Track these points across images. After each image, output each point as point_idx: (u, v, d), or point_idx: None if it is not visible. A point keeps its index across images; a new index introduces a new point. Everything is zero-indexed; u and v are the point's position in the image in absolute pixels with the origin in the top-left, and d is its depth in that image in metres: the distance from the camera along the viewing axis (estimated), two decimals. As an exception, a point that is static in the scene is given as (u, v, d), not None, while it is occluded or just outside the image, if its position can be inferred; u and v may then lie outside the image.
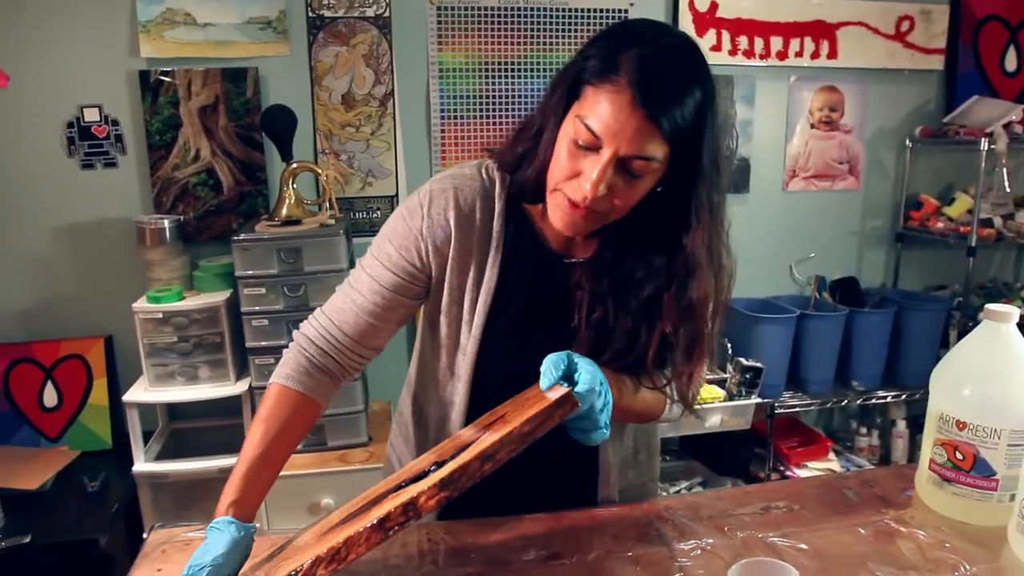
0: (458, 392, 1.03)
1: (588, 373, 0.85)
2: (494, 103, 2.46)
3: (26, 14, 2.11)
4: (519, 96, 2.47)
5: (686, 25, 2.52)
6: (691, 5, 2.53)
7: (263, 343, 2.02)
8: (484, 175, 1.02)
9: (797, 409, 2.62)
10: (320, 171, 2.17)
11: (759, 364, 2.43)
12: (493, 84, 2.44)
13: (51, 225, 2.24)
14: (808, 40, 2.65)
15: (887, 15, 2.69)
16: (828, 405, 2.69)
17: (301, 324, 1.04)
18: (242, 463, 0.91)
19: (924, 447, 1.03)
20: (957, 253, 2.69)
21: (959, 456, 0.96)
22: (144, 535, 1.00)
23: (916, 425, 2.72)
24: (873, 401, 2.69)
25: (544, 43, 2.45)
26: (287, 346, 1.03)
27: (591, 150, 0.86)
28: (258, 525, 0.89)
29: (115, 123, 2.22)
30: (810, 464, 2.60)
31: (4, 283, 2.23)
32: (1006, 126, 2.49)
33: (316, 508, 2.04)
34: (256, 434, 0.93)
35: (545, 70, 2.47)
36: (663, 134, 0.83)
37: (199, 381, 2.08)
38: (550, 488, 1.03)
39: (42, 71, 2.15)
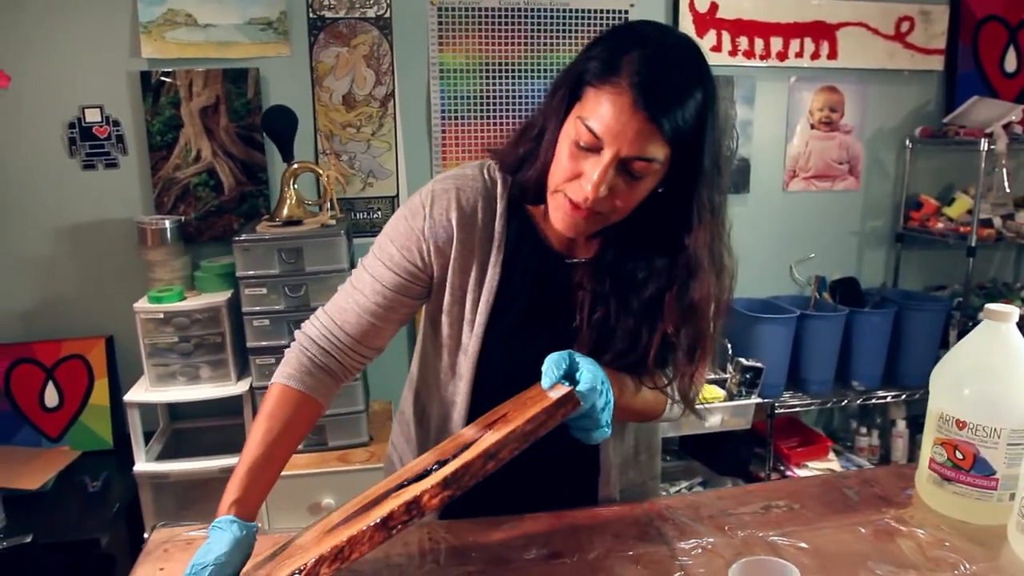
0: (460, 392, 1.03)
1: (589, 372, 0.86)
2: (494, 104, 2.46)
3: (26, 14, 2.11)
4: (519, 97, 2.47)
5: (686, 26, 2.52)
6: (691, 6, 2.53)
7: (264, 343, 2.03)
8: (486, 176, 1.02)
9: (797, 409, 2.63)
10: (321, 171, 2.17)
11: (759, 364, 2.43)
12: (493, 85, 2.45)
13: (52, 225, 2.24)
14: (808, 41, 2.65)
15: (887, 16, 2.69)
16: (828, 405, 2.69)
17: (303, 324, 1.04)
18: (244, 462, 0.91)
19: (924, 446, 1.03)
20: (957, 253, 2.70)
21: (959, 455, 0.97)
22: (145, 535, 1.01)
23: (916, 425, 2.72)
24: (873, 401, 2.69)
25: (544, 44, 2.45)
26: (288, 346, 1.03)
27: (592, 151, 0.86)
28: (259, 525, 0.89)
29: (116, 124, 2.22)
30: (810, 464, 2.60)
31: (5, 283, 2.24)
32: (1006, 126, 2.50)
33: (317, 508, 2.04)
34: (258, 433, 0.93)
35: (545, 71, 2.47)
36: (664, 135, 0.83)
37: (200, 381, 2.08)
38: (551, 487, 1.04)
39: (43, 71, 2.15)
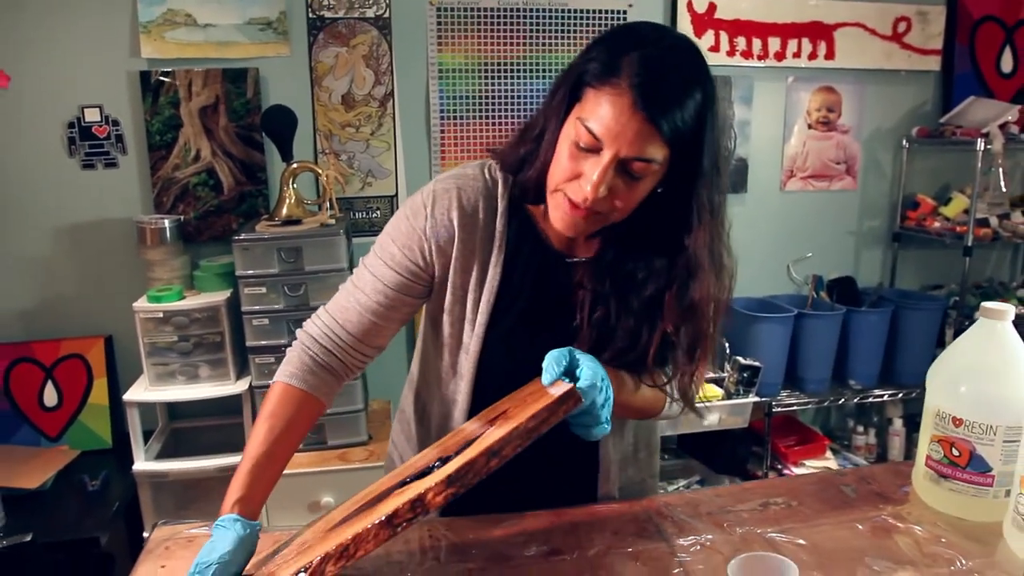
0: (460, 391, 1.04)
1: (590, 369, 0.86)
2: (494, 104, 2.47)
3: (26, 14, 2.12)
4: (518, 97, 2.48)
5: (684, 26, 2.53)
6: (689, 6, 2.54)
7: (263, 342, 2.03)
8: (487, 175, 1.03)
9: (794, 408, 2.64)
10: (320, 171, 2.18)
11: (757, 363, 2.44)
12: (493, 85, 2.45)
13: (52, 225, 2.24)
14: (806, 41, 2.66)
15: (884, 16, 2.70)
16: (825, 404, 2.70)
17: (304, 323, 1.05)
18: (247, 461, 0.91)
19: (921, 444, 1.04)
20: (953, 253, 2.71)
21: (955, 452, 0.97)
22: (144, 534, 1.01)
23: (913, 424, 2.73)
24: (870, 400, 2.70)
25: (543, 44, 2.46)
26: (288, 345, 1.03)
27: (592, 152, 0.87)
28: (262, 523, 0.90)
29: (116, 123, 2.22)
30: (807, 462, 2.61)
31: (4, 283, 2.24)
32: (1002, 126, 2.51)
33: (316, 506, 2.04)
34: (260, 432, 0.94)
35: (545, 71, 2.48)
36: (663, 136, 0.84)
37: (199, 380, 2.09)
38: (551, 484, 1.04)
39: (43, 71, 2.15)
